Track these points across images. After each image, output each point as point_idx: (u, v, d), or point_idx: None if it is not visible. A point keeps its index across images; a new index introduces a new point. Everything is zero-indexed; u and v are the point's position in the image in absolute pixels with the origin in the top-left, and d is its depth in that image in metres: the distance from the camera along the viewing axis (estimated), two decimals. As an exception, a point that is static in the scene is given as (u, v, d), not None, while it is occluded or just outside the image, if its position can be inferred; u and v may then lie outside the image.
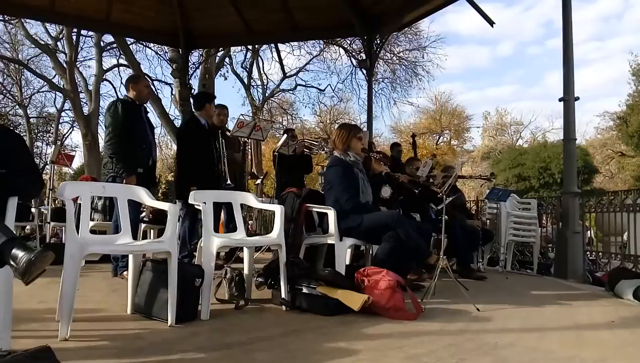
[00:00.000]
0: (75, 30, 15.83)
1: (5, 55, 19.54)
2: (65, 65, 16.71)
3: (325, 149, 5.23)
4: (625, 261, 5.59)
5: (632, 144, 25.62)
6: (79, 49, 17.63)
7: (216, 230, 4.38)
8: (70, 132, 25.27)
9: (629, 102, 25.91)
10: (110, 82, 19.74)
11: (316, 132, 25.14)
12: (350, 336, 2.54)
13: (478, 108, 62.11)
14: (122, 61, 17.72)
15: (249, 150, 5.57)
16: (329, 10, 8.21)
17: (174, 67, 11.12)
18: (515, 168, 26.72)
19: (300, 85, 21.03)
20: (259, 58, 20.28)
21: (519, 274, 6.05)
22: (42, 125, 25.53)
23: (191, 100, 11.31)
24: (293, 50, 18.57)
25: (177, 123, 13.90)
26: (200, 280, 2.83)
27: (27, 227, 8.17)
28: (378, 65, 17.23)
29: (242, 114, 5.36)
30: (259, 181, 8.01)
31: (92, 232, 4.05)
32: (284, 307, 3.11)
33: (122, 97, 4.46)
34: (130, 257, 2.99)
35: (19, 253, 1.76)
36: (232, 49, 16.76)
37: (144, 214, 5.93)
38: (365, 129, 8.87)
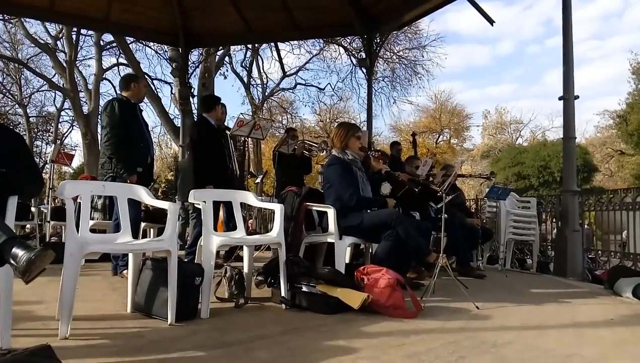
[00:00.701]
0: (75, 29, 15.82)
1: (4, 55, 19.51)
2: (65, 64, 16.69)
3: (325, 150, 5.23)
4: (625, 259, 5.60)
5: (632, 143, 25.62)
6: (79, 48, 17.62)
7: (215, 228, 4.38)
8: (70, 131, 25.29)
9: (628, 101, 25.91)
10: (110, 81, 19.74)
11: (316, 131, 25.17)
12: (350, 334, 2.54)
13: (478, 107, 62.30)
14: (121, 60, 17.70)
15: (248, 149, 5.56)
16: (328, 9, 8.20)
17: (173, 66, 11.09)
18: (515, 166, 26.74)
19: (300, 84, 21.05)
20: (259, 57, 20.30)
21: (519, 272, 6.06)
22: (41, 124, 25.52)
23: (195, 102, 11.36)
24: (293, 49, 18.58)
25: (177, 122, 13.87)
26: (200, 278, 2.83)
27: (27, 226, 8.18)
28: (378, 64, 17.23)
29: (241, 113, 5.36)
30: (258, 180, 8.01)
31: (92, 231, 4.05)
32: (283, 306, 3.12)
33: (117, 97, 4.42)
34: (130, 255, 3.00)
35: (19, 252, 1.76)
36: (232, 48, 16.75)
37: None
38: (365, 128, 8.88)
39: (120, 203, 3.04)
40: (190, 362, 2.05)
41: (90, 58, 18.90)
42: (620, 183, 26.81)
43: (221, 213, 5.21)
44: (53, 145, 11.02)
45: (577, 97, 5.45)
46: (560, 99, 5.49)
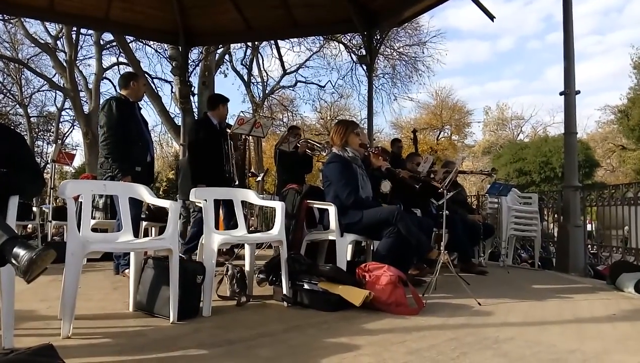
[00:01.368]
0: (74, 29, 15.82)
1: (5, 55, 19.53)
2: (65, 64, 16.70)
3: (327, 152, 5.22)
4: (627, 254, 5.59)
5: (634, 138, 25.59)
6: (79, 47, 17.65)
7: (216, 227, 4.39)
8: (71, 131, 25.35)
9: (630, 96, 25.87)
10: (110, 81, 19.74)
11: (317, 129, 25.14)
12: (352, 331, 2.54)
13: (479, 103, 62.10)
14: (121, 59, 17.73)
15: (249, 147, 5.55)
16: (328, 6, 8.19)
17: (173, 64, 11.09)
18: (516, 162, 26.72)
19: (300, 81, 21.06)
20: (259, 55, 20.29)
21: (520, 268, 6.06)
22: (42, 124, 25.57)
23: (195, 100, 11.36)
24: (293, 46, 18.59)
25: (177, 120, 13.89)
26: (202, 277, 2.83)
27: (29, 226, 8.19)
28: (378, 61, 17.22)
29: (242, 111, 5.36)
30: (259, 178, 8.01)
31: (94, 230, 4.06)
32: (285, 303, 3.12)
33: (116, 95, 4.40)
34: (132, 254, 3.00)
35: (20, 251, 1.76)
36: (232, 46, 16.76)
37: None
38: (365, 125, 8.88)
39: (121, 202, 3.04)
40: (192, 360, 2.05)
41: (91, 57, 18.97)
42: (622, 178, 26.79)
43: (221, 212, 5.21)
44: (54, 145, 11.04)
45: (578, 92, 5.43)
46: (561, 94, 5.48)
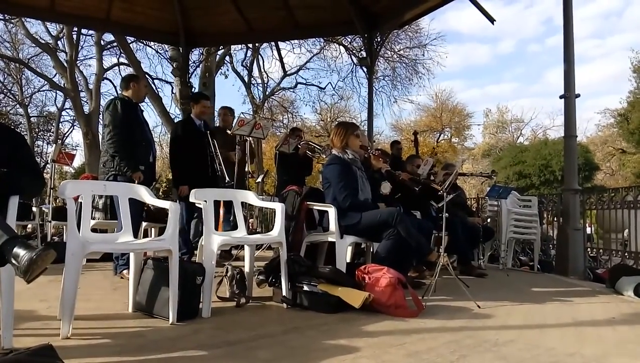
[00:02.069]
0: (75, 29, 15.82)
1: (5, 55, 19.52)
2: (65, 64, 16.69)
3: (327, 154, 5.24)
4: (626, 258, 5.59)
5: (633, 141, 25.60)
6: (80, 47, 17.64)
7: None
8: (71, 131, 25.33)
9: (630, 99, 25.90)
10: (110, 81, 19.76)
11: (317, 131, 25.14)
12: (351, 333, 2.54)
13: (479, 105, 62.21)
14: (122, 60, 17.72)
15: (250, 148, 5.54)
16: (329, 8, 8.20)
17: (174, 65, 11.13)
18: (516, 165, 26.71)
19: (300, 83, 21.05)
20: (259, 56, 20.28)
21: (520, 271, 6.06)
22: (42, 124, 25.55)
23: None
24: (293, 48, 18.57)
25: (178, 121, 13.89)
26: (202, 278, 2.83)
27: (29, 226, 8.18)
28: (378, 63, 17.22)
29: (242, 113, 5.35)
30: (259, 179, 8.01)
31: (93, 230, 4.06)
32: (285, 305, 3.12)
33: (119, 96, 4.42)
34: (132, 255, 3.00)
35: (20, 252, 1.76)
36: (233, 47, 16.75)
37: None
38: (365, 127, 8.88)
39: (121, 203, 3.04)
40: (191, 361, 2.05)
41: (91, 58, 18.96)
42: (621, 181, 26.78)
43: (221, 212, 5.22)
44: (54, 145, 11.04)
45: (578, 96, 5.44)
46: (561, 97, 5.49)
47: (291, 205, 4.05)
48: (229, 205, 5.41)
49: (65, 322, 2.28)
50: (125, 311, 2.90)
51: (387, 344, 2.35)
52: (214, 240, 2.93)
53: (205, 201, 3.06)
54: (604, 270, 5.66)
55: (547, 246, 7.32)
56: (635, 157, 26.41)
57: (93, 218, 5.18)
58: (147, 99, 12.78)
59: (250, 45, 17.91)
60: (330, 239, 3.75)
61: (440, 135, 31.83)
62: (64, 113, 23.21)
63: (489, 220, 6.78)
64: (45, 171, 16.01)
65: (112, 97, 4.53)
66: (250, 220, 8.85)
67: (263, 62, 20.84)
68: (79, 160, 20.46)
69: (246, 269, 3.38)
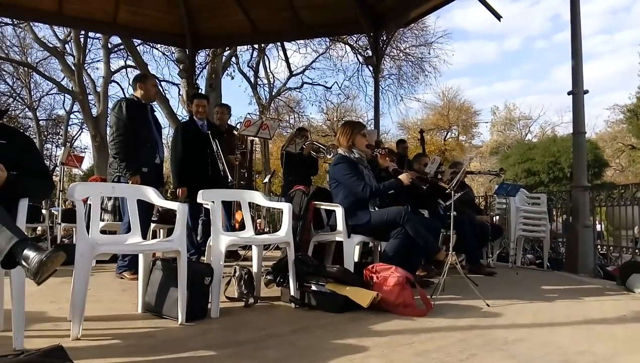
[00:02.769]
0: (83, 32, 15.94)
1: (14, 59, 19.73)
2: (73, 67, 16.83)
3: (333, 154, 5.25)
4: (637, 255, 5.54)
5: (643, 137, 25.33)
6: (87, 51, 17.78)
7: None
8: (80, 134, 25.53)
9: (639, 95, 25.61)
10: (118, 84, 19.92)
11: (323, 130, 25.14)
12: (360, 333, 2.54)
13: (486, 103, 61.78)
14: (129, 62, 17.87)
15: (254, 149, 5.57)
16: (334, 8, 8.20)
17: (181, 67, 11.16)
18: (525, 163, 26.52)
19: (306, 83, 21.10)
20: (265, 57, 20.36)
21: (529, 269, 6.02)
22: (51, 127, 25.75)
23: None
24: (299, 48, 18.60)
25: (185, 123, 13.96)
26: (210, 278, 2.84)
27: (38, 228, 8.26)
28: (384, 62, 17.22)
29: (249, 113, 5.38)
30: (266, 179, 8.03)
31: (102, 232, 4.08)
32: (293, 305, 3.12)
33: (127, 96, 4.45)
34: (140, 256, 3.01)
35: (30, 254, 1.78)
36: (239, 48, 16.82)
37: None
38: (372, 126, 8.86)
39: (130, 204, 3.06)
40: (201, 361, 2.05)
41: (99, 61, 19.09)
42: (631, 178, 26.54)
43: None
44: (63, 147, 11.11)
45: (586, 92, 5.40)
46: (569, 93, 5.44)
47: (298, 205, 4.06)
48: (228, 209, 5.44)
49: (75, 323, 2.30)
50: (134, 312, 2.92)
51: (396, 343, 2.34)
52: (222, 241, 2.94)
53: (213, 202, 3.07)
54: (615, 267, 5.61)
55: (557, 243, 7.26)
56: (645, 153, 26.16)
57: (102, 220, 5.22)
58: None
59: (256, 46, 17.96)
60: (337, 239, 3.75)
61: (447, 134, 31.71)
62: (72, 116, 23.43)
63: (497, 218, 6.75)
64: (54, 174, 16.13)
65: (119, 98, 4.55)
66: (258, 221, 8.87)
67: (269, 62, 20.95)
68: (87, 162, 20.66)
69: (254, 269, 3.39)
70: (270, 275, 3.43)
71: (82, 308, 2.33)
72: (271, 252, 5.75)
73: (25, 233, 1.99)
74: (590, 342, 2.42)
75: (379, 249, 4.16)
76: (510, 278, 4.79)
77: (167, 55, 16.78)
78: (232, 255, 5.24)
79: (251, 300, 3.15)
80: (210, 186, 3.88)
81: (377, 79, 9.16)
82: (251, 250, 3.82)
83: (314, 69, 20.93)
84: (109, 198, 5.50)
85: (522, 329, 2.68)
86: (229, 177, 4.83)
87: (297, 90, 21.82)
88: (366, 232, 3.75)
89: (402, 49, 19.05)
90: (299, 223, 3.96)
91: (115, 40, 16.52)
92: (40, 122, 24.09)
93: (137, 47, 14.67)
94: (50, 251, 1.78)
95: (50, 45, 18.20)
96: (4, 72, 20.78)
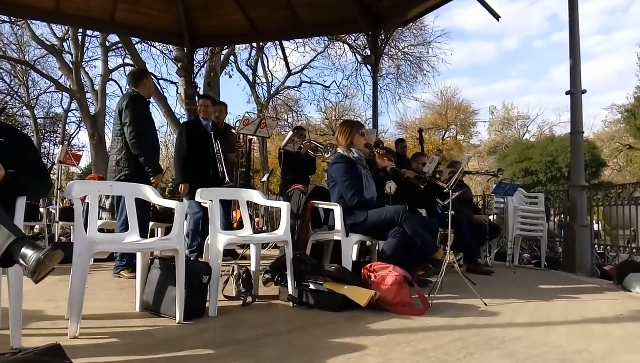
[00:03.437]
0: (80, 30, 15.89)
1: (12, 57, 19.66)
2: (71, 65, 16.78)
3: (330, 152, 5.25)
4: (634, 254, 5.56)
5: (640, 137, 25.39)
6: (85, 49, 17.72)
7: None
8: (77, 132, 25.45)
9: (636, 95, 25.65)
10: (116, 82, 19.88)
11: (321, 129, 25.14)
12: (357, 331, 2.54)
13: (484, 102, 61.77)
14: (127, 61, 17.82)
15: (252, 147, 5.58)
16: (333, 7, 8.19)
17: (179, 65, 11.14)
18: (522, 162, 26.58)
19: (305, 82, 21.08)
20: (264, 55, 20.31)
21: (527, 268, 6.03)
22: (49, 125, 25.69)
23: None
24: (297, 47, 18.60)
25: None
26: (208, 277, 2.84)
27: (36, 227, 8.24)
28: (383, 61, 17.19)
29: (247, 112, 5.37)
30: (265, 178, 8.03)
31: (100, 230, 4.07)
32: (291, 303, 3.12)
33: (133, 93, 4.26)
34: (138, 255, 3.01)
35: (28, 252, 1.77)
36: (237, 46, 16.80)
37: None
38: (371, 125, 8.86)
39: (128, 203, 3.05)
40: (198, 360, 2.05)
41: (96, 59, 19.02)
42: (629, 177, 26.61)
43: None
44: (60, 146, 11.07)
45: (584, 91, 5.41)
46: (567, 93, 5.45)
47: (296, 204, 4.06)
48: (227, 208, 5.45)
49: (73, 321, 2.30)
50: (132, 310, 2.91)
51: (394, 342, 2.35)
52: (219, 239, 2.94)
53: (211, 200, 3.07)
54: (612, 266, 5.63)
55: (554, 243, 7.28)
56: (643, 153, 26.21)
57: (100, 219, 5.21)
58: (152, 99, 12.87)
59: (254, 45, 17.93)
60: (335, 237, 3.75)
61: (445, 133, 31.75)
62: (70, 114, 23.36)
63: (495, 217, 6.76)
64: (52, 172, 16.11)
65: (128, 92, 4.36)
66: (256, 219, 8.87)
67: (267, 61, 20.90)
68: (85, 160, 20.57)
69: (252, 268, 3.39)
70: (268, 273, 3.43)
71: (79, 306, 2.32)
72: (269, 250, 5.76)
73: (23, 231, 1.98)
74: (587, 341, 2.43)
75: (377, 248, 4.16)
76: (507, 277, 4.80)
77: (165, 54, 16.76)
78: (230, 253, 5.23)
79: (249, 299, 3.15)
80: (210, 185, 3.89)
81: (375, 78, 9.16)
82: (249, 248, 3.82)
83: (313, 67, 20.95)
84: (107, 197, 5.49)
85: (519, 328, 2.69)
86: (226, 177, 4.84)
87: (296, 89, 21.83)
88: (364, 231, 3.76)
89: (401, 48, 19.05)
90: (297, 222, 3.96)
91: (113, 38, 16.47)
92: (38, 120, 24.03)
93: (135, 45, 14.63)
94: (47, 249, 1.77)
95: (48, 43, 18.15)
96: (2, 70, 20.76)
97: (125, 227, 3.32)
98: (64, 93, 21.16)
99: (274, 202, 5.11)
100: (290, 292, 3.16)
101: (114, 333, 2.46)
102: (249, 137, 6.02)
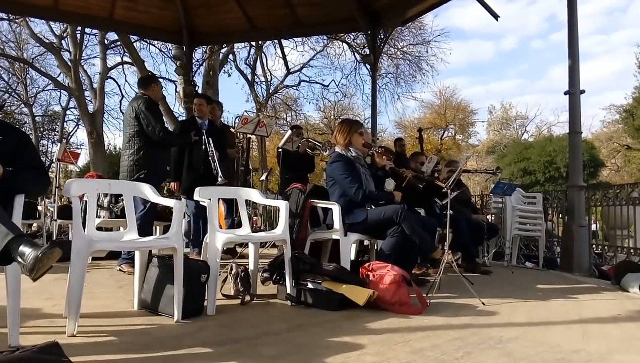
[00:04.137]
0: (79, 28, 15.86)
1: (10, 54, 19.62)
2: (69, 63, 16.75)
3: (328, 150, 5.25)
4: (632, 254, 5.57)
5: (639, 137, 25.44)
6: (83, 47, 17.69)
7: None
8: (76, 130, 25.45)
9: (635, 95, 25.71)
10: (114, 80, 19.87)
11: (320, 128, 25.13)
12: (356, 330, 2.55)
13: (483, 102, 62.05)
14: (126, 59, 17.81)
15: (251, 146, 5.58)
16: (332, 5, 8.19)
17: (177, 64, 11.12)
18: (521, 162, 26.63)
19: (304, 81, 21.09)
20: (263, 54, 20.30)
21: (525, 268, 6.04)
22: (47, 123, 25.68)
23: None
24: (296, 46, 18.60)
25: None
26: (206, 275, 2.84)
27: (34, 225, 8.23)
28: (382, 60, 17.17)
29: (246, 111, 5.39)
30: (263, 177, 8.03)
31: (98, 229, 4.07)
32: (289, 302, 3.12)
33: (145, 96, 4.39)
34: (137, 253, 3.01)
35: (26, 250, 1.77)
36: (236, 45, 16.80)
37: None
38: (369, 125, 8.87)
39: (127, 201, 3.05)
40: (197, 359, 2.05)
41: (95, 57, 19.00)
42: (627, 178, 26.65)
43: (222, 208, 5.24)
44: (59, 144, 11.08)
45: (583, 92, 5.42)
46: (566, 93, 5.46)
47: (295, 202, 4.06)
48: (230, 204, 5.45)
49: (71, 319, 2.30)
50: (130, 309, 2.91)
51: (392, 341, 2.35)
52: (218, 238, 2.94)
53: (210, 199, 3.07)
54: (609, 266, 5.64)
55: (552, 243, 7.29)
56: (641, 153, 26.26)
57: (98, 217, 5.19)
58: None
59: (253, 44, 17.93)
60: (334, 237, 3.75)
61: (444, 133, 31.75)
62: (68, 112, 23.35)
63: (493, 217, 6.77)
64: (50, 170, 16.07)
65: (139, 95, 4.47)
66: (255, 218, 8.86)
67: (266, 60, 20.90)
68: (83, 159, 20.53)
69: (250, 267, 3.39)
70: (267, 272, 3.43)
71: (77, 304, 2.32)
72: (268, 249, 5.75)
73: (21, 229, 1.98)
74: (585, 340, 2.44)
75: (375, 247, 4.16)
76: (505, 277, 4.81)
77: (164, 52, 16.76)
78: (228, 252, 5.23)
79: (247, 298, 3.15)
80: (202, 184, 3.90)
81: (374, 77, 9.17)
82: (248, 247, 3.82)
83: (311, 66, 20.98)
84: (105, 195, 5.47)
85: (517, 328, 2.69)
86: (219, 176, 4.84)
87: (295, 88, 21.83)
88: (363, 230, 3.76)
89: (400, 47, 19.07)
90: (296, 221, 3.96)
91: (112, 36, 16.48)
92: (36, 118, 24.02)
93: (134, 44, 14.60)
94: (46, 247, 1.77)
95: (47, 41, 18.10)
96: (0, 68, 20.70)
97: (141, 223, 3.42)
98: (62, 91, 21.14)
99: (272, 201, 5.12)
100: (288, 291, 3.16)
101: (112, 332, 2.45)
102: (248, 136, 6.02)
